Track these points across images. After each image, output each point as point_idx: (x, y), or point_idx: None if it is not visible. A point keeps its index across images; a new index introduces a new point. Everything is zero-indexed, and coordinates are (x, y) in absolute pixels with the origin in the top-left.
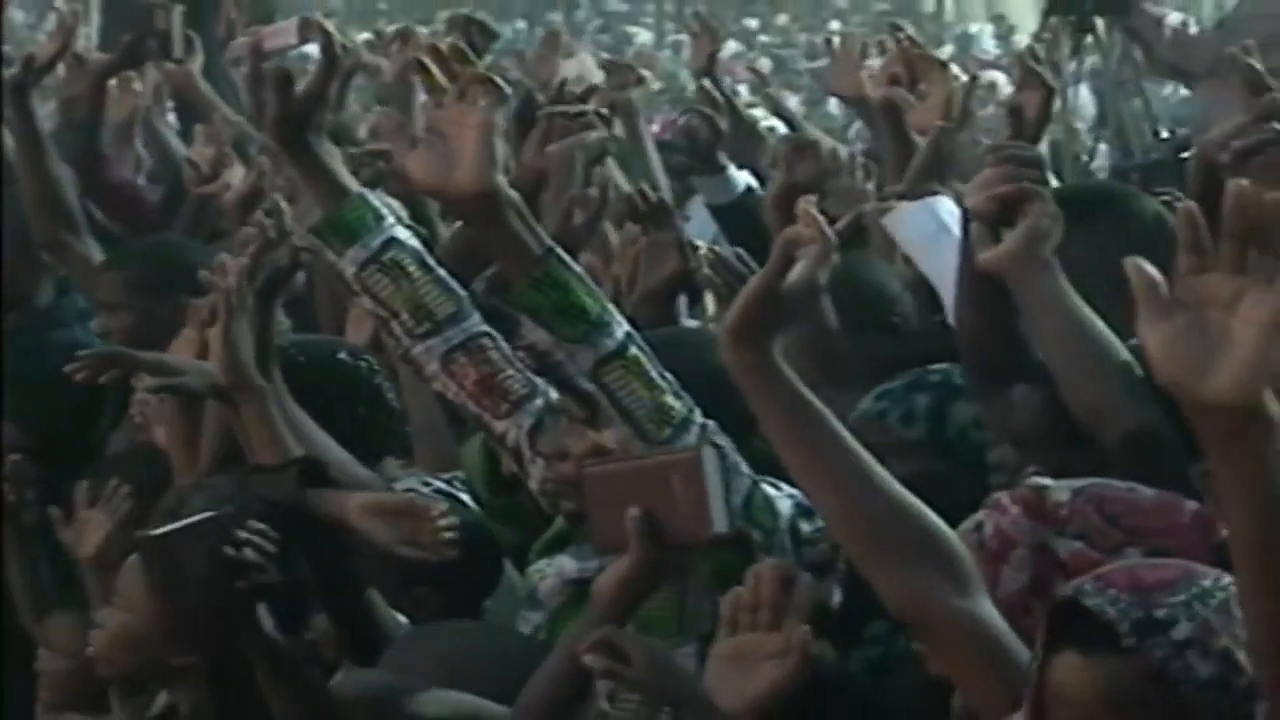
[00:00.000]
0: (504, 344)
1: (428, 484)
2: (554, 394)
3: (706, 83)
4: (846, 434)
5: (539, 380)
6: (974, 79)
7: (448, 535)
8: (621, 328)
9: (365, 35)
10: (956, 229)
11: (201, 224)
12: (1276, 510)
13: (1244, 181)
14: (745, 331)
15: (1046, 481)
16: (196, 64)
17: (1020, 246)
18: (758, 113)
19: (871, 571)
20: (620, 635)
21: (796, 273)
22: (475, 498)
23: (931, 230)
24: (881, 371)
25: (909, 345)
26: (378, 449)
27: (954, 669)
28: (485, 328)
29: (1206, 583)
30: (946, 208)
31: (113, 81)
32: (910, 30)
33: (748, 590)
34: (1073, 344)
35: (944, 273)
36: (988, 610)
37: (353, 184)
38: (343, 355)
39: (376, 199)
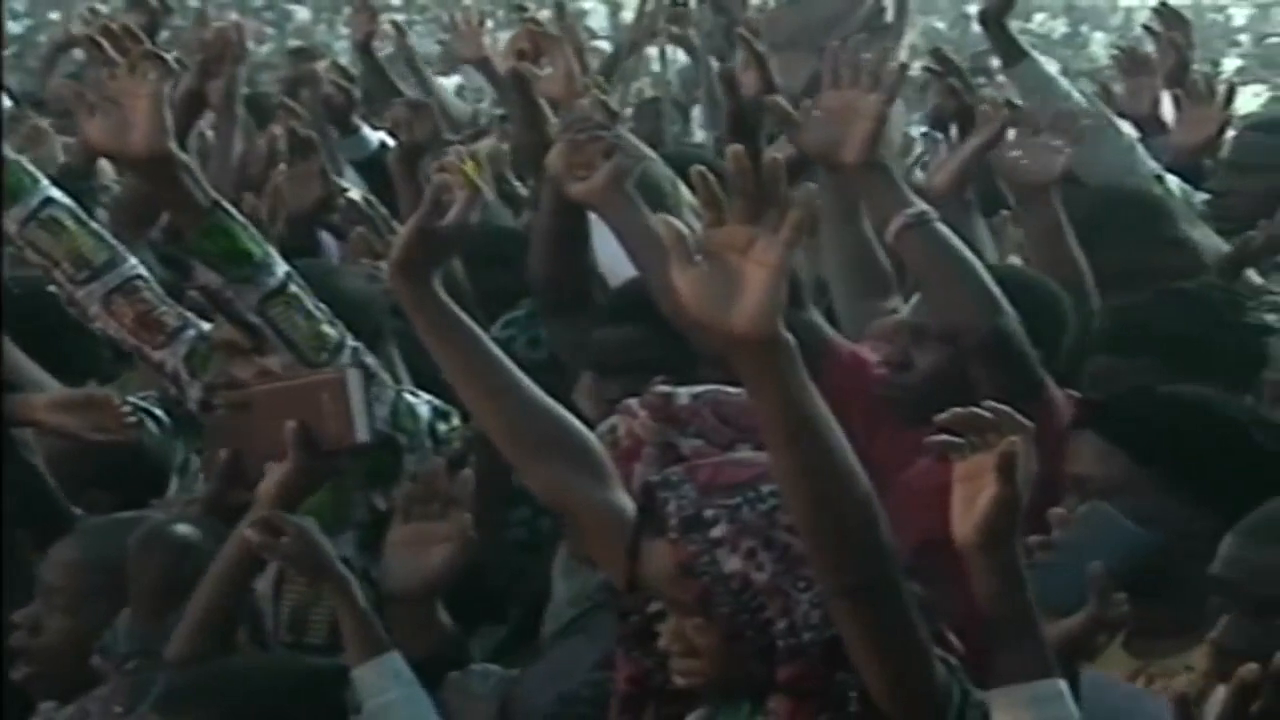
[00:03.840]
0: (155, 285)
1: (127, 401)
2: (205, 326)
3: (327, 66)
4: (497, 351)
5: (189, 315)
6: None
7: (130, 420)
8: (282, 268)
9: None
10: None
11: None
12: (803, 430)
13: (737, 146)
14: (407, 267)
15: (670, 389)
16: None
17: (608, 180)
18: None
19: (523, 467)
20: (278, 516)
21: (452, 215)
22: (168, 411)
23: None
24: (493, 302)
25: (519, 278)
26: (83, 371)
27: (594, 550)
28: (139, 271)
29: (767, 488)
30: None
31: None
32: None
33: (419, 486)
34: (656, 253)
35: (613, 259)
36: (622, 499)
37: (6, 151)
38: (53, 288)
39: (30, 164)
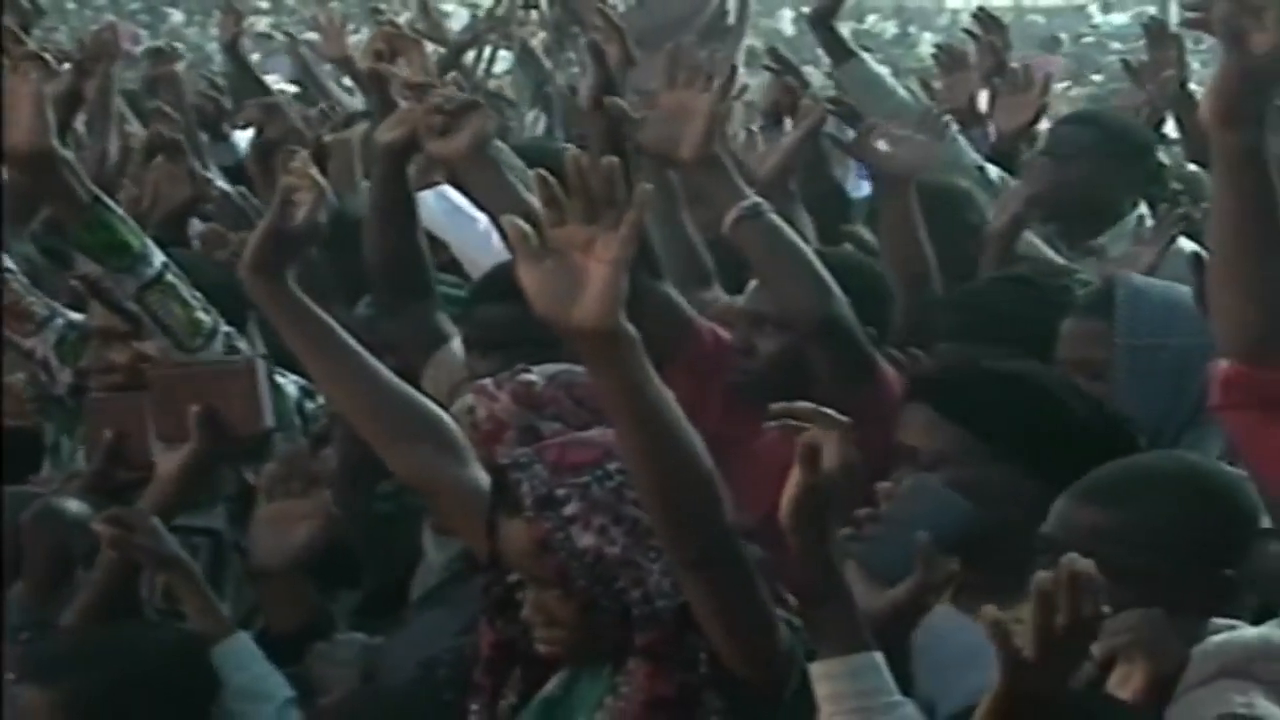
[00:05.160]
0: (22, 277)
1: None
2: (72, 315)
3: (184, 66)
4: (352, 341)
5: (56, 304)
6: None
7: (30, 406)
8: (159, 258)
9: None
10: (468, 207)
11: None
12: (645, 415)
13: (575, 151)
14: (260, 266)
15: (531, 376)
16: None
17: (471, 138)
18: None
19: (382, 448)
20: (126, 511)
21: (301, 215)
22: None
23: (449, 209)
24: (355, 285)
25: None
26: None
27: (456, 526)
28: (6, 263)
29: (613, 465)
30: (453, 193)
31: None
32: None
33: (281, 466)
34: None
35: (465, 242)
36: (480, 475)
37: None
38: None
39: None
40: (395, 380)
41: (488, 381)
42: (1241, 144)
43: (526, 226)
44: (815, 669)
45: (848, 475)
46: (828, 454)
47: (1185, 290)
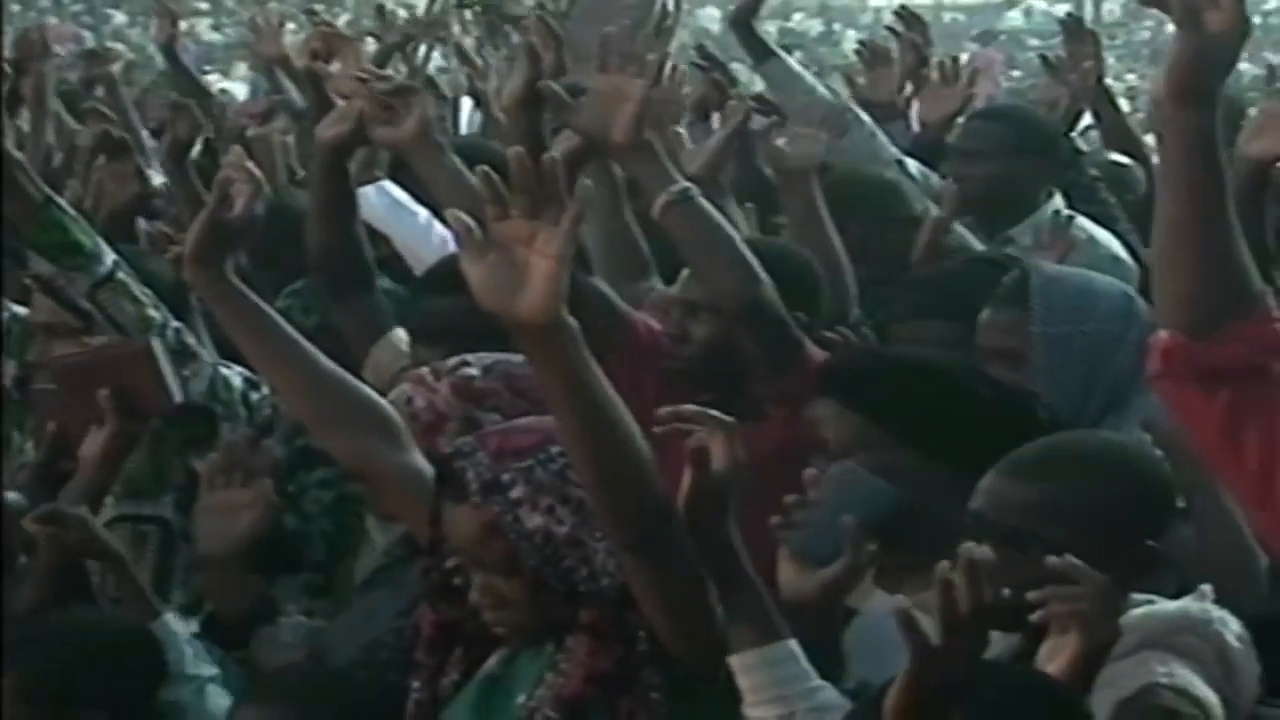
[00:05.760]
0: None
1: None
2: (18, 309)
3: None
4: (290, 330)
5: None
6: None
7: None
8: (110, 257)
9: None
10: (408, 201)
11: None
12: (585, 405)
13: (518, 149)
14: (200, 257)
15: (470, 370)
16: None
17: (416, 125)
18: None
19: (323, 435)
20: (59, 509)
21: (238, 207)
22: None
23: (390, 204)
24: (284, 278)
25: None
26: None
27: (399, 511)
28: None
29: (555, 449)
30: (393, 187)
31: None
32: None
33: (222, 457)
34: (464, 199)
35: (407, 235)
36: (420, 461)
37: None
38: None
39: None
40: (334, 368)
41: (425, 371)
42: (1193, 123)
43: (471, 221)
44: (734, 661)
45: (737, 474)
46: (715, 455)
47: (1100, 278)
